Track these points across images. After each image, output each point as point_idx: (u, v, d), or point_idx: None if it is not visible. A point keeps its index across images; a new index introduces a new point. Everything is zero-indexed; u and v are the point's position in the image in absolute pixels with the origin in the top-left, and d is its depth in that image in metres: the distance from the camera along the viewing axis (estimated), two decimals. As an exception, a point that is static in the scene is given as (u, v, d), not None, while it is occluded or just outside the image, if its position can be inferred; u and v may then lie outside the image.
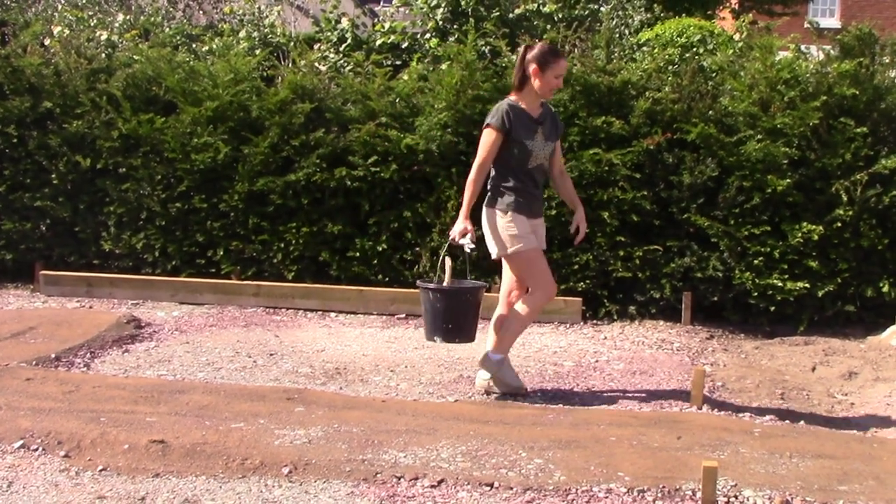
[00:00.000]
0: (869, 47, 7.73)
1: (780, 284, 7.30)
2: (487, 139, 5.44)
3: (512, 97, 5.52)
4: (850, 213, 7.34)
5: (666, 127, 7.68)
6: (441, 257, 5.67)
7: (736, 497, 4.20)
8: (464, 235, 5.40)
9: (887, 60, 7.74)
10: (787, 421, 5.46)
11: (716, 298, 7.54)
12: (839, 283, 7.39)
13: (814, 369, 6.50)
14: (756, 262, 7.39)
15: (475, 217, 5.49)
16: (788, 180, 7.37)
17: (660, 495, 4.22)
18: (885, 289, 7.34)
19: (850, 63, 7.52)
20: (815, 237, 7.31)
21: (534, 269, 5.58)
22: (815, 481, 4.34)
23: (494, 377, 5.70)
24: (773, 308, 7.38)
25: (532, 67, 5.41)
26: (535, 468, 4.47)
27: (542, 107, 5.60)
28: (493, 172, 5.55)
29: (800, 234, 7.32)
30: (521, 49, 5.52)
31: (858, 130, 7.43)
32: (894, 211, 7.40)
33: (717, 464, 4.23)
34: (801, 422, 5.48)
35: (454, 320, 5.49)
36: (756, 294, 7.38)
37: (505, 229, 5.51)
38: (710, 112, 7.73)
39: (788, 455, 4.67)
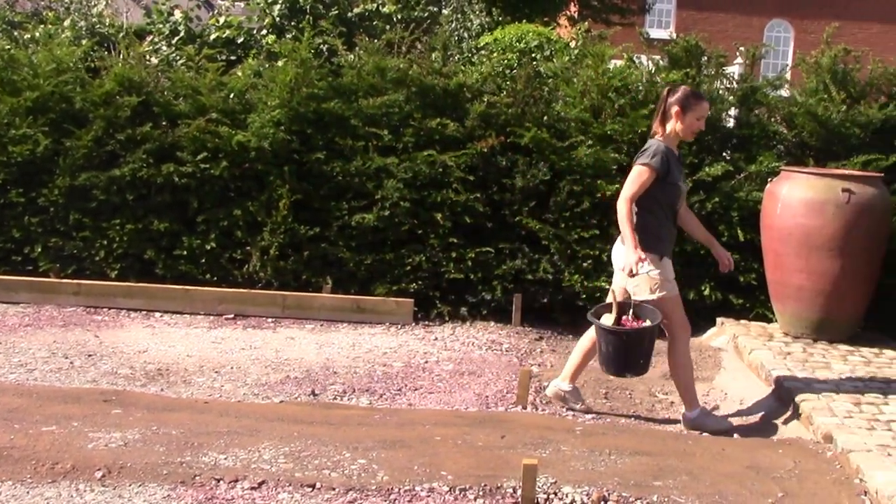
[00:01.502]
0: (695, 59, 7.97)
1: (607, 287, 7.42)
2: (641, 177, 5.33)
3: (659, 138, 5.47)
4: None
5: (500, 130, 7.73)
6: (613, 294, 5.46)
7: (556, 493, 4.24)
8: (639, 264, 5.21)
9: (712, 72, 7.99)
10: (609, 419, 5.58)
11: (546, 300, 7.63)
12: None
13: (637, 370, 6.64)
14: (585, 264, 7.51)
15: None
16: (617, 185, 7.49)
17: (481, 493, 4.24)
18: (707, 292, 7.56)
19: (677, 73, 7.73)
20: (642, 241, 7.47)
21: (675, 313, 5.49)
22: (632, 477, 4.43)
23: (704, 430, 5.52)
24: (600, 310, 7.51)
25: (674, 110, 5.39)
26: (359, 468, 4.43)
27: (678, 148, 5.60)
28: (642, 214, 5.40)
29: (627, 238, 7.47)
30: (663, 91, 5.52)
31: (684, 139, 7.63)
32: (716, 217, 7.62)
33: (538, 461, 4.27)
34: (623, 420, 5.60)
35: (647, 355, 5.38)
36: (585, 296, 7.50)
37: (655, 274, 5.38)
38: (544, 117, 7.83)
39: (608, 452, 4.75)
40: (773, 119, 8.06)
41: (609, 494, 4.25)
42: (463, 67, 8.28)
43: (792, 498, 4.35)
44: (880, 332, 7.13)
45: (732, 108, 8.10)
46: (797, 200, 6.82)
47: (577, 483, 4.33)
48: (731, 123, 8.16)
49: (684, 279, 7.55)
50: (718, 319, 7.49)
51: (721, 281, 7.62)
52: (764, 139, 7.94)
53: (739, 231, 7.51)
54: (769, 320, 7.38)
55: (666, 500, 4.22)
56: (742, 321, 7.43)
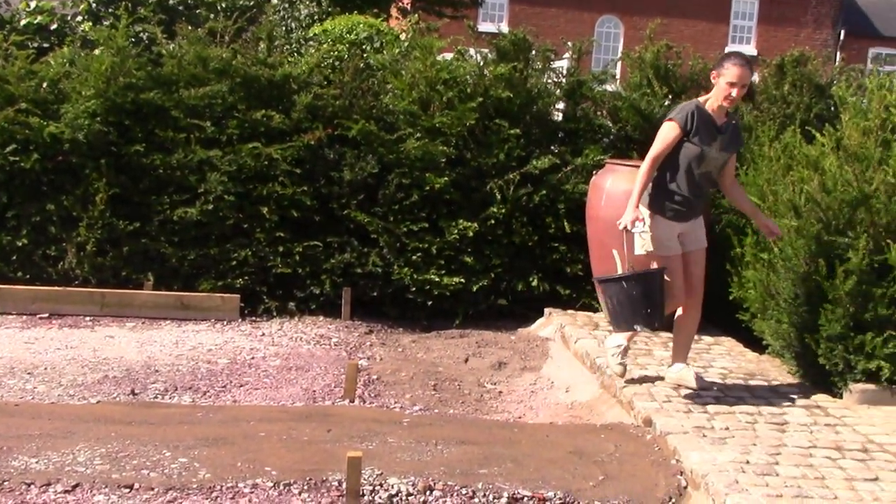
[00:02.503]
0: (524, 52, 8.03)
1: (437, 279, 7.44)
2: (667, 134, 5.25)
3: (702, 98, 5.36)
4: (504, 210, 7.59)
5: (327, 122, 7.62)
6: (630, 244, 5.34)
7: (381, 485, 4.19)
8: (635, 223, 5.18)
9: (539, 66, 8.08)
10: (437, 410, 5.55)
11: (375, 293, 7.56)
12: (493, 278, 7.63)
13: (466, 361, 6.66)
14: (414, 257, 7.48)
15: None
16: (446, 178, 7.52)
17: (306, 487, 4.16)
18: (535, 283, 7.65)
19: (505, 67, 7.78)
20: (471, 234, 7.50)
21: (668, 276, 5.35)
22: (458, 466, 4.42)
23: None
24: (430, 302, 7.51)
25: (713, 73, 5.31)
26: (180, 467, 4.30)
27: (728, 116, 5.39)
28: (659, 170, 5.33)
29: (456, 231, 7.49)
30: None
31: (512, 132, 7.69)
32: (543, 209, 7.72)
33: (363, 454, 4.21)
34: (451, 411, 5.59)
35: (654, 305, 5.25)
36: (414, 289, 7.48)
37: (647, 237, 5.31)
38: (373, 109, 7.76)
39: (434, 443, 4.73)
40: (598, 113, 8.22)
41: (435, 484, 4.22)
42: (290, 58, 8.12)
43: (612, 480, 4.42)
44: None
45: (560, 102, 8.22)
46: (621, 192, 6.89)
47: (403, 474, 4.29)
48: (558, 117, 8.27)
49: (514, 271, 7.67)
50: (546, 310, 7.59)
51: (549, 272, 7.74)
52: (590, 132, 8.10)
53: (566, 223, 7.62)
54: (595, 310, 7.51)
55: (491, 486, 4.22)
56: (569, 311, 7.54)
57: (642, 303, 5.24)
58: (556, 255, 7.74)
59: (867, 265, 5.63)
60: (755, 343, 6.65)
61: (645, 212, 5.31)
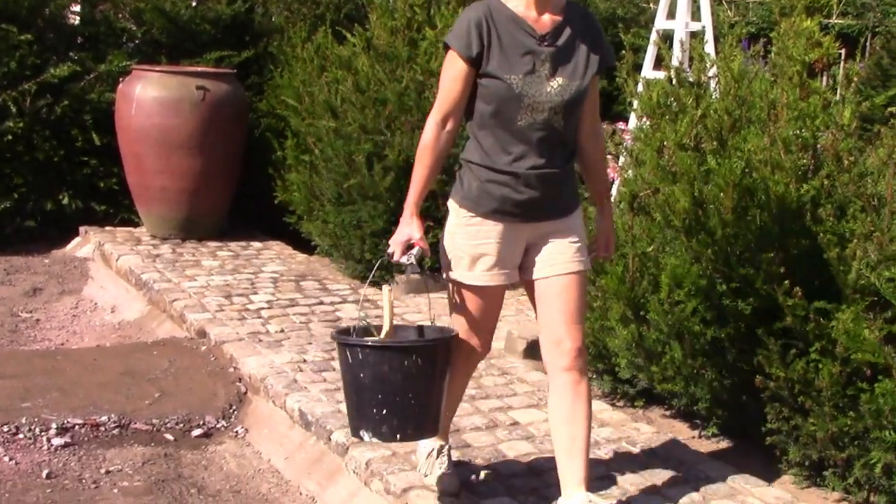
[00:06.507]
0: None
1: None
2: (447, 72, 2.98)
3: None
4: (22, 125, 6.92)
5: None
6: None
7: None
8: (406, 250, 2.97)
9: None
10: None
11: None
12: (17, 199, 6.97)
13: (-5, 290, 6.06)
14: None
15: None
16: None
17: None
18: (66, 201, 7.11)
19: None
20: (-13, 152, 6.80)
21: (459, 308, 3.10)
22: (-4, 404, 4.00)
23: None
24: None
25: None
26: None
27: (563, 12, 2.97)
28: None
29: (-33, 150, 6.74)
30: None
31: (23, 38, 7.00)
32: (68, 121, 7.15)
33: None
34: (-20, 347, 5.07)
35: (385, 403, 2.93)
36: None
37: (448, 236, 3.08)
38: None
39: (-34, 382, 4.24)
40: (120, 16, 7.73)
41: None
42: None
43: (169, 396, 4.27)
44: (246, 225, 7.25)
45: (76, 5, 7.63)
46: (152, 100, 6.67)
47: (-71, 422, 3.80)
48: (76, 21, 7.68)
49: (40, 189, 7.08)
50: (82, 228, 7.09)
51: (81, 189, 7.24)
52: (112, 37, 7.64)
53: (95, 135, 7.13)
54: (136, 224, 7.16)
55: (36, 419, 3.87)
56: (108, 228, 7.10)
57: (372, 396, 2.95)
58: (87, 170, 7.22)
59: (403, 161, 5.82)
60: (304, 245, 6.69)
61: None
